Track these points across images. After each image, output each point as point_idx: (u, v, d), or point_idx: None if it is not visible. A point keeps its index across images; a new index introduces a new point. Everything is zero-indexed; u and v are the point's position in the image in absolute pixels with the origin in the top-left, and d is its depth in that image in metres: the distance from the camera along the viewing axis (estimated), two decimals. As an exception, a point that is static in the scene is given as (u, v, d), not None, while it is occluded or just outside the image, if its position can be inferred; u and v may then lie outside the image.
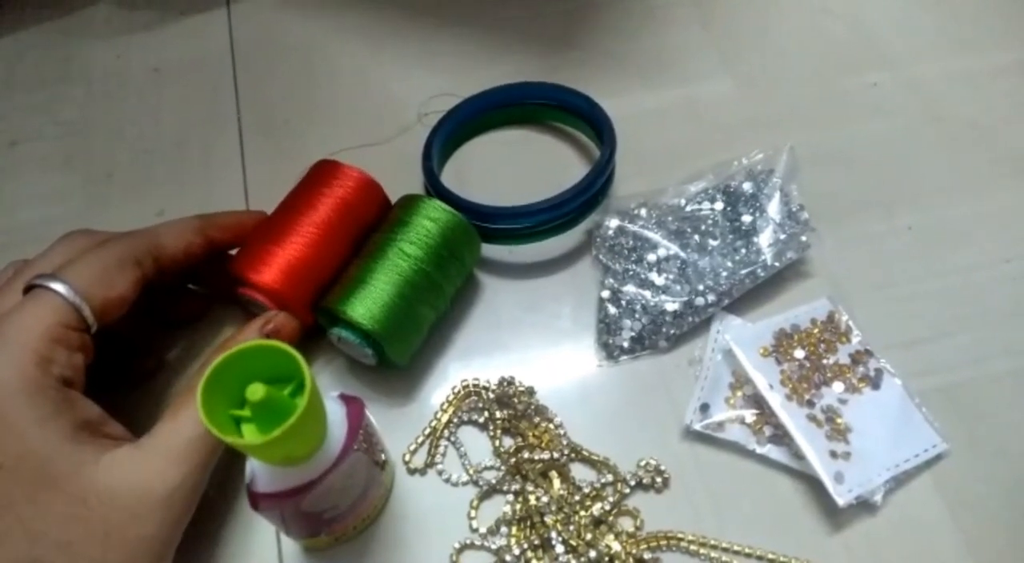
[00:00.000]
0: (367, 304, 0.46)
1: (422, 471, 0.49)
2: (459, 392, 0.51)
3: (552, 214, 0.53)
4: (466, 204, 0.52)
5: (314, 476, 0.37)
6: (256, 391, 0.31)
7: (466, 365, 0.53)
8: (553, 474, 0.48)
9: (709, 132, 0.61)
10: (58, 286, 0.39)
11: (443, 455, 0.49)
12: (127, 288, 0.42)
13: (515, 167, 0.61)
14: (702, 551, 0.46)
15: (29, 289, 0.40)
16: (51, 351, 0.38)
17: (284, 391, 0.34)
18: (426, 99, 0.64)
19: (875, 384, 0.51)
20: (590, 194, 0.54)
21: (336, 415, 0.38)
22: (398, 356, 0.49)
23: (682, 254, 0.54)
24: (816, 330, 0.53)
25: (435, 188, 0.55)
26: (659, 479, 0.48)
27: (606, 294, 0.53)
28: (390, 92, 0.66)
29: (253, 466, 0.37)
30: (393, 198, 0.53)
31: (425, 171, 0.55)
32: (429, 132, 0.58)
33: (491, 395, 0.50)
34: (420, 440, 0.50)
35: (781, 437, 0.49)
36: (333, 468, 0.37)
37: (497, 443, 0.49)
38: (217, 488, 0.47)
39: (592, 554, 0.45)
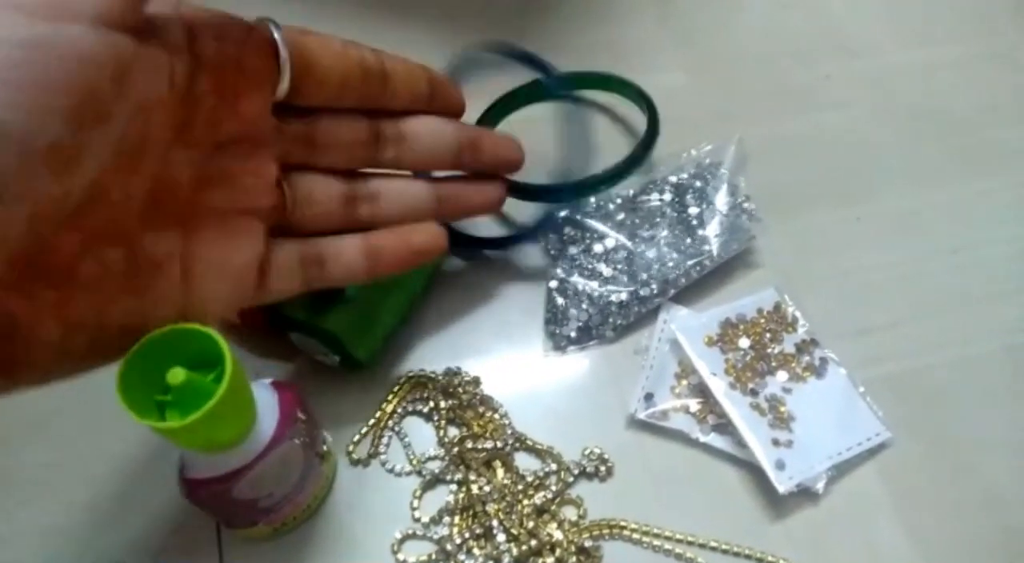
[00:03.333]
0: (326, 305, 0.46)
1: (365, 462, 0.49)
2: (404, 383, 0.51)
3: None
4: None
5: (244, 463, 0.36)
6: (176, 375, 0.31)
7: (413, 356, 0.52)
8: (497, 464, 0.48)
9: (661, 124, 0.61)
10: None
11: (387, 446, 0.49)
12: None
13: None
14: (644, 539, 0.46)
15: None
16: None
17: (208, 377, 0.33)
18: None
19: (820, 373, 0.52)
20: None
21: (267, 402, 0.38)
22: (361, 355, 0.48)
23: (629, 245, 0.54)
24: (762, 320, 0.53)
25: None
26: (603, 468, 0.48)
27: (553, 284, 0.53)
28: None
29: (184, 453, 0.37)
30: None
31: None
32: None
33: (437, 385, 0.50)
34: (364, 431, 0.49)
35: (725, 426, 0.49)
36: (264, 455, 0.37)
37: (441, 433, 0.49)
38: (152, 479, 0.46)
39: (533, 543, 0.45)
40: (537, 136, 0.62)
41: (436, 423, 0.49)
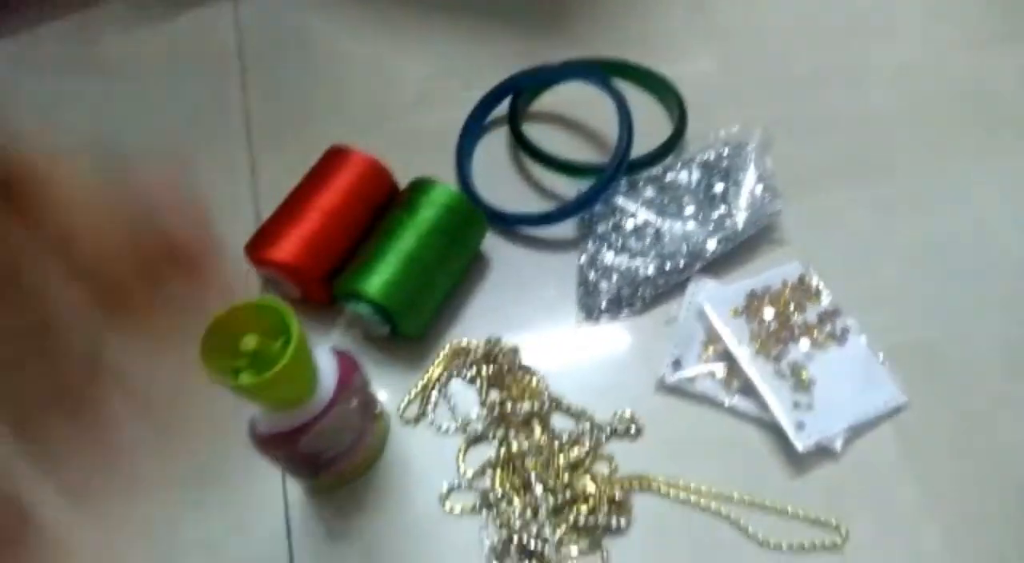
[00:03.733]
0: (381, 281, 0.51)
1: (415, 422, 0.53)
2: (448, 351, 0.55)
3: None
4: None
5: (308, 419, 0.41)
6: (249, 342, 0.36)
7: (457, 327, 0.57)
8: (535, 423, 0.52)
9: (691, 106, 0.64)
10: None
11: (434, 407, 0.54)
12: None
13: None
14: (672, 492, 0.50)
15: None
16: None
17: (276, 344, 0.38)
18: (423, 81, 0.68)
19: (841, 341, 0.54)
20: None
21: (328, 366, 0.43)
22: (410, 329, 0.53)
23: (657, 221, 0.57)
24: (787, 291, 0.56)
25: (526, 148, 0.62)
26: (633, 428, 0.52)
27: (584, 259, 0.57)
28: (389, 74, 0.70)
29: (255, 412, 0.42)
30: (395, 177, 0.57)
31: (515, 135, 0.63)
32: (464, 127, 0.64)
33: (479, 353, 0.55)
34: (413, 394, 0.54)
35: (749, 390, 0.53)
36: (325, 413, 0.42)
37: (483, 396, 0.54)
38: (224, 436, 0.52)
39: (568, 494, 0.49)
40: (582, 115, 0.66)
41: (479, 387, 0.54)
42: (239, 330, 0.37)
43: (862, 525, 0.49)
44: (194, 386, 0.52)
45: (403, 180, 0.57)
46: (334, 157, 0.56)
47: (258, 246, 0.52)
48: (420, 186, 0.55)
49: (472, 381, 0.54)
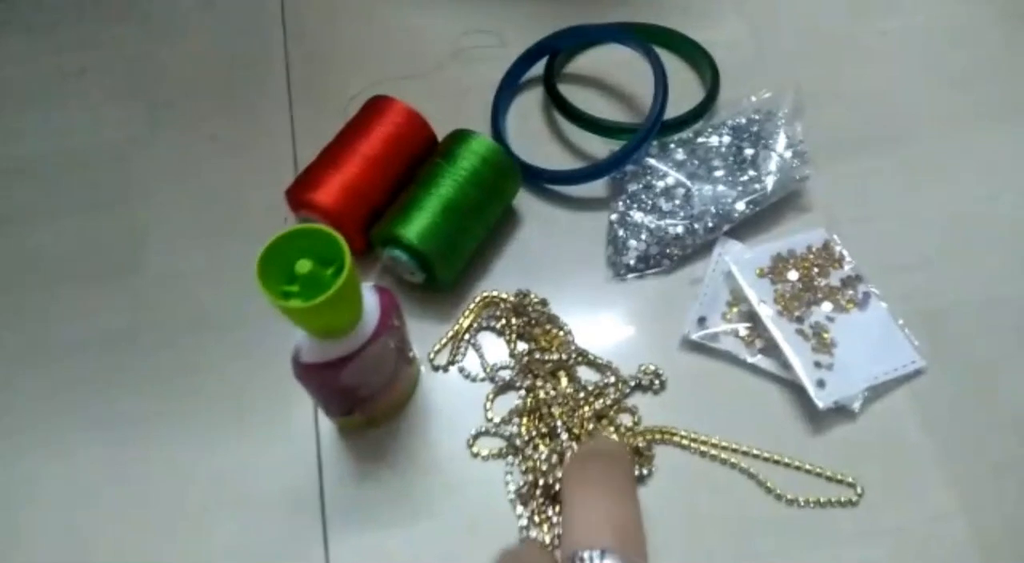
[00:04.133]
0: (420, 227, 0.52)
1: (445, 368, 0.55)
2: (479, 301, 0.56)
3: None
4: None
5: (351, 351, 0.42)
6: (304, 265, 0.37)
7: (488, 278, 0.58)
8: (561, 374, 0.54)
9: (723, 72, 0.65)
10: None
11: (463, 355, 0.55)
12: None
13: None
14: (693, 445, 0.52)
15: None
16: None
17: (327, 271, 0.39)
18: (459, 35, 0.69)
19: (862, 306, 0.56)
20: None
21: (371, 301, 0.44)
22: (445, 275, 0.54)
23: (687, 182, 0.58)
24: (811, 256, 0.57)
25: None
26: (657, 382, 0.53)
27: (615, 217, 0.58)
28: (425, 29, 0.71)
29: (299, 341, 0.43)
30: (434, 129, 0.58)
31: (550, 94, 0.64)
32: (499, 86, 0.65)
33: (509, 305, 0.56)
34: (444, 342, 0.55)
35: (771, 349, 0.54)
36: (367, 345, 0.43)
37: (512, 346, 0.55)
38: (259, 373, 0.53)
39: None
40: (616, 77, 0.67)
41: (508, 338, 0.55)
42: (294, 255, 0.38)
43: (877, 483, 0.50)
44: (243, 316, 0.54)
45: (440, 135, 0.58)
46: (376, 106, 0.57)
47: (300, 189, 0.54)
48: (460, 136, 0.56)
49: (501, 332, 0.56)
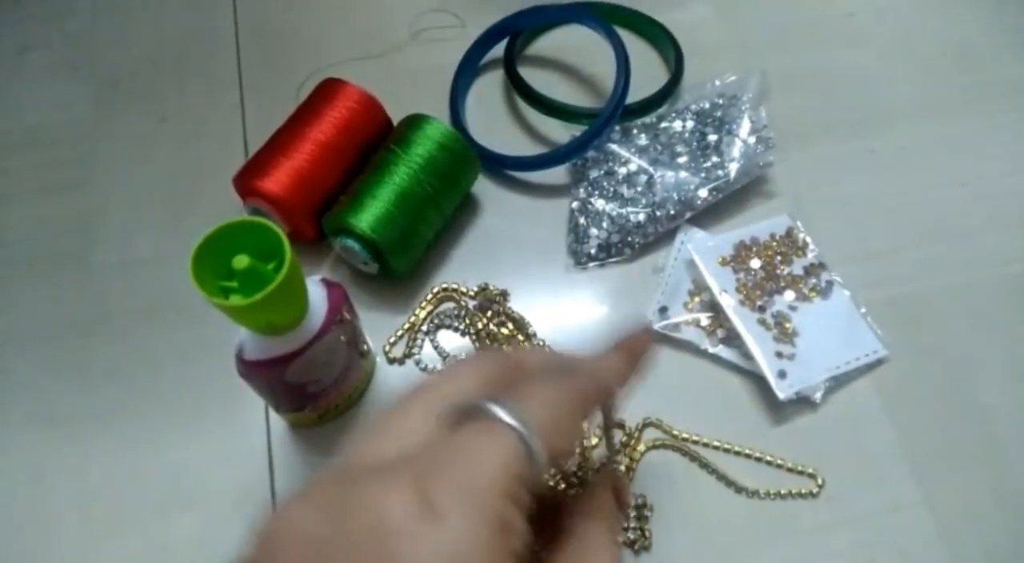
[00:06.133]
0: (373, 217, 0.50)
1: (401, 361, 0.53)
2: (436, 292, 0.55)
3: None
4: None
5: (296, 347, 0.41)
6: (241, 261, 0.35)
7: (445, 269, 0.56)
8: (520, 365, 0.52)
9: (687, 55, 0.64)
10: (516, 423, 0.27)
11: (420, 347, 0.53)
12: (573, 441, 0.35)
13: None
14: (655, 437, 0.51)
15: (462, 417, 0.28)
16: (512, 513, 0.26)
17: (268, 266, 0.37)
18: (417, 16, 0.67)
19: (825, 294, 0.55)
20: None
21: (318, 295, 0.42)
22: (400, 265, 0.52)
23: (650, 168, 0.57)
24: (774, 243, 0.57)
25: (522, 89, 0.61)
26: (618, 373, 0.52)
27: (576, 205, 0.57)
28: (382, 8, 0.68)
29: (242, 337, 0.41)
30: (387, 112, 0.56)
31: (510, 77, 0.62)
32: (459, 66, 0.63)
33: (467, 296, 0.54)
34: (400, 334, 0.54)
35: (732, 339, 0.53)
36: (314, 342, 0.41)
37: (472, 339, 0.53)
38: (209, 367, 0.51)
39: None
40: (578, 60, 0.66)
41: (465, 329, 0.54)
42: (231, 250, 0.36)
43: (839, 474, 0.50)
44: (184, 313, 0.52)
45: (397, 120, 0.56)
46: (329, 90, 0.55)
47: (248, 176, 0.51)
48: (414, 122, 0.54)
49: (459, 324, 0.54)
